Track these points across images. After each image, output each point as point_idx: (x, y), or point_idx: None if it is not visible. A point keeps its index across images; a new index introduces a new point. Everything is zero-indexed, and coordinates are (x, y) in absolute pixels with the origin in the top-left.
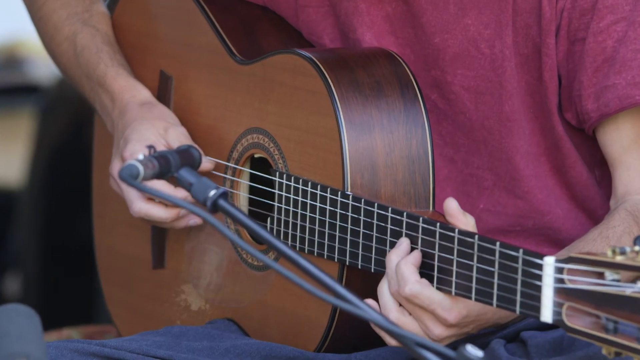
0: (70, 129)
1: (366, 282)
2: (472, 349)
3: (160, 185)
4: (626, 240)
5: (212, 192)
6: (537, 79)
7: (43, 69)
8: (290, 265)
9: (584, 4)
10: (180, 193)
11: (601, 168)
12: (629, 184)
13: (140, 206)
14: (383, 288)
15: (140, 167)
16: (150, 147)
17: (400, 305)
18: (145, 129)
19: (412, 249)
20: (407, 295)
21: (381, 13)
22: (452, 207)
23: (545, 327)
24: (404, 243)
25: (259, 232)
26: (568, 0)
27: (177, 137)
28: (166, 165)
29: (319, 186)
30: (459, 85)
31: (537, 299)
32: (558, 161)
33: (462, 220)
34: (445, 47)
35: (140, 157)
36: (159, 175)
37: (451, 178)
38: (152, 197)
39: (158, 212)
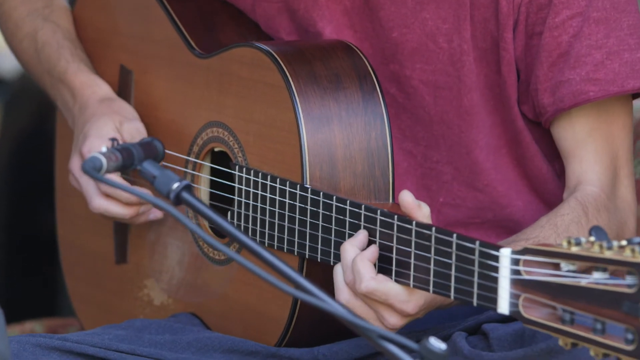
0: (34, 121)
1: (326, 274)
2: (435, 342)
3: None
4: (574, 229)
5: (176, 185)
6: (495, 72)
7: (6, 62)
8: (252, 257)
9: None
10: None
11: (561, 161)
12: (581, 176)
13: (100, 202)
14: (338, 274)
15: (103, 160)
16: (113, 139)
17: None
18: (103, 124)
19: (370, 242)
20: (363, 292)
21: (340, 7)
22: (407, 199)
23: (507, 319)
24: (360, 234)
25: (221, 224)
26: None
27: (131, 132)
28: (129, 157)
29: (278, 179)
30: (417, 79)
31: (494, 290)
32: (518, 154)
33: (418, 212)
34: (404, 42)
35: (103, 149)
36: (122, 168)
37: (411, 172)
38: (110, 193)
39: (117, 208)
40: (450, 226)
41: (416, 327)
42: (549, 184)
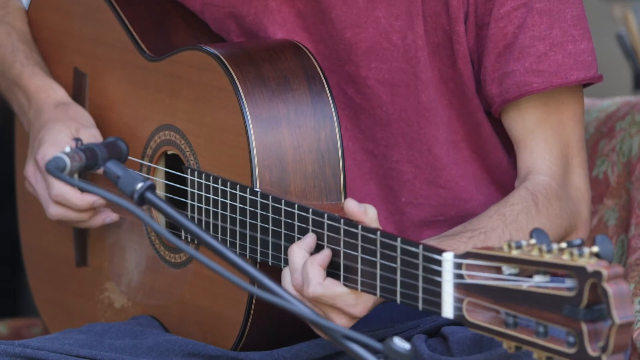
0: None
1: (278, 278)
2: (399, 342)
3: (67, 191)
4: (522, 219)
5: (140, 185)
6: (449, 66)
7: None
8: (212, 257)
9: None
10: (88, 197)
11: None
12: (531, 165)
13: (56, 210)
14: (286, 278)
15: (67, 160)
16: (77, 139)
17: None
18: (58, 131)
19: (319, 246)
20: (310, 297)
21: (292, 10)
22: (352, 207)
23: None
24: (308, 237)
25: (184, 223)
26: None
27: (87, 138)
28: (93, 157)
29: (228, 183)
30: (373, 79)
31: (438, 294)
32: (478, 146)
33: (365, 218)
34: (357, 42)
35: (67, 149)
36: (86, 168)
37: (374, 171)
38: (61, 201)
39: (72, 214)
40: (413, 226)
41: (374, 326)
42: (509, 175)
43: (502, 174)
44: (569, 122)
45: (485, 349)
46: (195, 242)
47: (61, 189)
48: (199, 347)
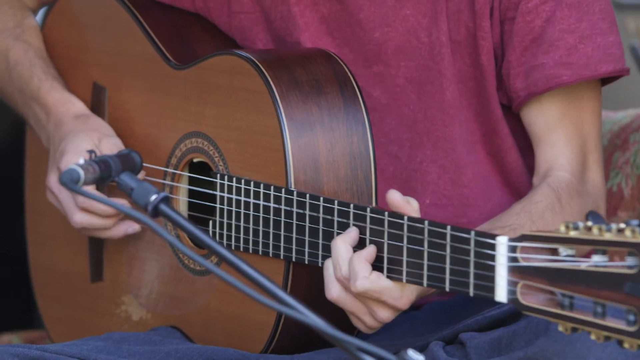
0: (4, 137)
1: (312, 277)
2: (413, 354)
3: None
4: (548, 216)
5: (154, 197)
6: (470, 65)
7: None
8: (231, 269)
9: None
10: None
11: (532, 156)
12: (552, 161)
13: (82, 217)
14: (328, 270)
15: (81, 172)
16: (91, 151)
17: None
18: (81, 140)
19: (361, 240)
20: (358, 291)
21: (316, 15)
22: (395, 197)
23: (484, 327)
24: (352, 231)
25: (199, 236)
26: None
27: (110, 147)
28: (107, 169)
29: (261, 185)
30: (402, 77)
31: (491, 279)
32: (494, 147)
33: (408, 208)
34: (387, 41)
35: (81, 161)
36: (100, 180)
37: (397, 175)
38: (88, 207)
39: (98, 221)
40: None
41: (395, 339)
42: (523, 178)
43: (516, 176)
44: (588, 118)
45: (503, 353)
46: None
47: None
48: (219, 352)
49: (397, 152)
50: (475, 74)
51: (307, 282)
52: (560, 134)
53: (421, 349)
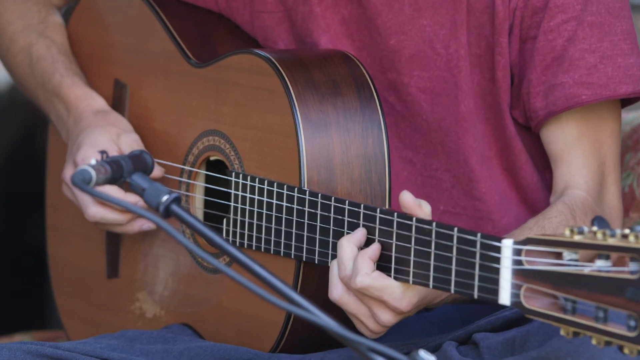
0: (23, 134)
1: (322, 277)
2: (425, 354)
3: (111, 191)
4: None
5: (165, 197)
6: (488, 79)
7: None
8: (243, 269)
9: (536, 3)
10: (130, 197)
11: (551, 172)
12: (569, 180)
13: (96, 210)
14: (333, 270)
15: (93, 172)
16: (102, 152)
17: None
18: (99, 134)
19: (370, 240)
20: (357, 287)
21: (337, 16)
22: (407, 199)
23: (497, 328)
24: (358, 232)
25: (210, 236)
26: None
27: (129, 143)
28: (118, 170)
29: (275, 184)
30: (415, 86)
31: (495, 281)
32: (509, 163)
33: (419, 211)
34: (401, 49)
35: (93, 162)
36: (112, 181)
37: (412, 180)
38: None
39: (112, 215)
40: None
41: (406, 339)
42: (539, 194)
43: (531, 192)
44: (608, 139)
45: (516, 353)
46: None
47: (105, 187)
48: (231, 351)
49: (412, 158)
50: (493, 89)
51: (317, 283)
52: (578, 153)
53: (434, 350)
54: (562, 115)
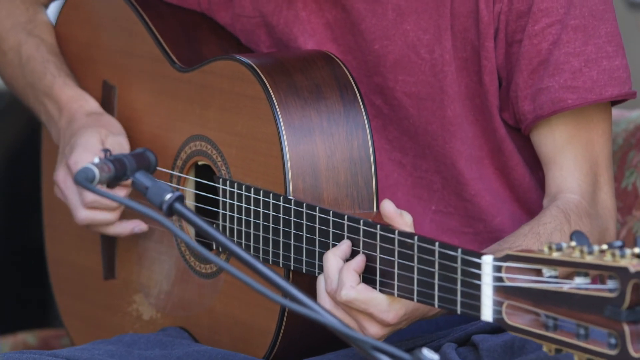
0: (23, 134)
1: (312, 286)
2: (427, 353)
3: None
4: (557, 237)
5: (168, 196)
6: (476, 82)
7: None
8: (241, 268)
9: (520, 7)
10: (121, 192)
11: (543, 171)
12: (561, 183)
13: (85, 214)
14: (320, 285)
15: (96, 170)
16: (105, 150)
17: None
18: (90, 136)
19: (354, 252)
20: (342, 301)
21: (322, 20)
22: (388, 209)
23: (497, 330)
24: (343, 244)
25: (213, 234)
26: (504, 4)
27: (113, 145)
28: (122, 168)
29: (261, 191)
30: (400, 91)
31: (477, 298)
32: (501, 163)
33: (400, 221)
34: (386, 54)
35: (96, 160)
36: (115, 179)
37: (402, 182)
38: (94, 205)
39: (101, 215)
40: (443, 232)
41: (405, 336)
42: (532, 194)
43: (524, 192)
44: (599, 139)
45: (516, 356)
46: (227, 252)
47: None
48: (229, 357)
49: (401, 159)
50: (481, 91)
51: (307, 291)
52: (570, 156)
53: (433, 350)
54: (552, 119)
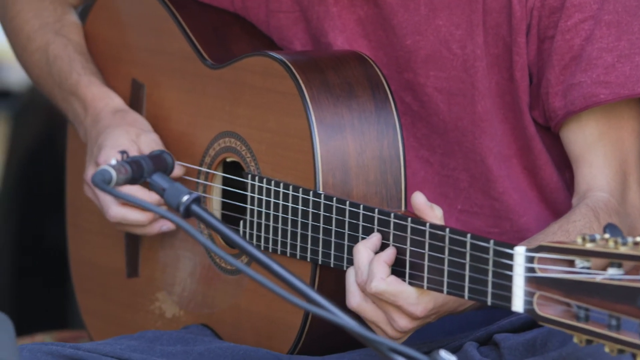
0: (43, 134)
1: (339, 280)
2: (445, 355)
3: (135, 190)
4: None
5: (185, 198)
6: (507, 79)
7: (15, 74)
8: (262, 269)
9: (553, 3)
10: (153, 197)
11: (571, 171)
12: (591, 181)
13: (117, 211)
14: (350, 277)
15: (113, 172)
16: (123, 152)
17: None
18: (119, 135)
19: (384, 245)
20: (372, 292)
21: (353, 16)
22: (419, 201)
23: (518, 328)
24: (374, 237)
25: (231, 236)
26: None
27: (148, 143)
28: (139, 170)
29: (291, 187)
30: (431, 87)
31: (508, 289)
32: (529, 162)
33: (431, 213)
34: (417, 49)
35: (113, 162)
36: (132, 181)
37: (429, 179)
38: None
39: (134, 215)
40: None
41: (427, 338)
42: (559, 194)
43: (551, 192)
44: (629, 137)
45: (537, 354)
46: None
47: (131, 187)
48: (250, 352)
49: (429, 157)
50: (511, 88)
51: (334, 287)
52: (600, 153)
53: (454, 350)
54: (582, 115)
